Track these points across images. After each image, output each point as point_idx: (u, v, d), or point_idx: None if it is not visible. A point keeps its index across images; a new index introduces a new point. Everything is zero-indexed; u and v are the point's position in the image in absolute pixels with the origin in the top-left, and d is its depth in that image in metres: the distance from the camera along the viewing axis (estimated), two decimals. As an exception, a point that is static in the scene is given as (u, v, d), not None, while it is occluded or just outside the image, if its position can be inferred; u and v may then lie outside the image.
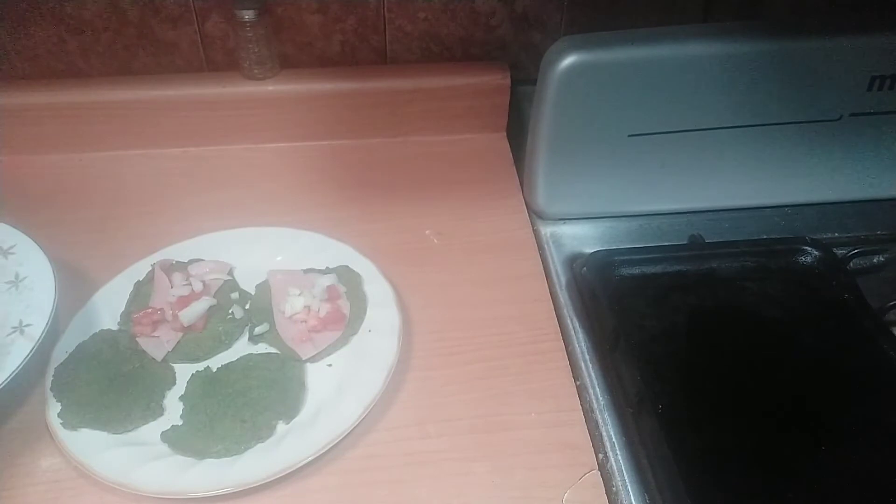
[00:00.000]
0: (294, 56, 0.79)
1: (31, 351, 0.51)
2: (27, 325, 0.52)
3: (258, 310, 0.60)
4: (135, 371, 0.55)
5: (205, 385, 0.54)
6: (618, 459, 0.51)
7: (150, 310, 0.58)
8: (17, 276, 0.57)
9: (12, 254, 0.59)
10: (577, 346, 0.59)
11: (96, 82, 0.77)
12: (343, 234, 0.66)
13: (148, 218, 0.71)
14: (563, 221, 0.70)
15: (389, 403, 0.54)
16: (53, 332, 0.55)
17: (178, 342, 0.57)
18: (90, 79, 0.78)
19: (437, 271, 0.65)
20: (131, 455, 0.49)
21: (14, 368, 0.49)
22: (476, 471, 0.50)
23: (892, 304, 0.58)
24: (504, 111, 0.81)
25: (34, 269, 0.57)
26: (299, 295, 0.59)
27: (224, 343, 0.58)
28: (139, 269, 0.63)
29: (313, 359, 0.57)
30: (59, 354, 0.55)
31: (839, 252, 0.63)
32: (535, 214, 0.71)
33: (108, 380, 0.54)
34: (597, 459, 0.51)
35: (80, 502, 0.48)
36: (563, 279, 0.65)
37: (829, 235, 0.68)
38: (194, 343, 0.58)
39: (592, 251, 0.64)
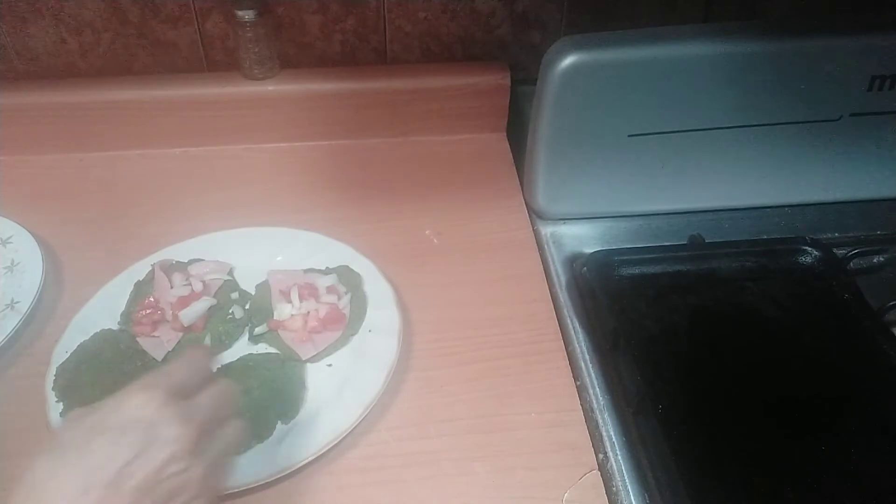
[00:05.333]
0: (294, 56, 0.79)
1: (18, 323, 0.58)
2: (17, 303, 0.60)
3: (258, 310, 0.60)
4: (136, 370, 0.55)
5: (205, 385, 0.54)
6: (618, 459, 0.51)
7: (150, 309, 0.58)
8: (12, 262, 0.64)
9: (10, 243, 0.66)
10: (577, 346, 0.59)
11: (96, 82, 0.77)
12: (343, 234, 0.66)
13: (148, 218, 0.71)
14: (563, 221, 0.70)
15: (389, 403, 0.54)
16: (46, 314, 0.61)
17: (179, 342, 0.57)
18: (90, 79, 0.78)
19: (437, 271, 0.65)
20: (131, 455, 0.49)
21: (3, 337, 0.57)
22: (476, 471, 0.50)
23: (891, 304, 0.58)
24: (504, 111, 0.81)
25: (27, 256, 0.64)
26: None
27: (224, 343, 0.58)
28: (139, 269, 0.63)
29: (313, 359, 0.57)
30: (61, 354, 0.55)
31: (839, 252, 0.63)
32: (535, 214, 0.71)
33: (110, 379, 0.54)
34: (597, 459, 0.51)
35: (81, 502, 0.48)
36: (563, 279, 0.65)
37: (829, 235, 0.68)
38: (194, 343, 0.57)
39: (592, 251, 0.64)
